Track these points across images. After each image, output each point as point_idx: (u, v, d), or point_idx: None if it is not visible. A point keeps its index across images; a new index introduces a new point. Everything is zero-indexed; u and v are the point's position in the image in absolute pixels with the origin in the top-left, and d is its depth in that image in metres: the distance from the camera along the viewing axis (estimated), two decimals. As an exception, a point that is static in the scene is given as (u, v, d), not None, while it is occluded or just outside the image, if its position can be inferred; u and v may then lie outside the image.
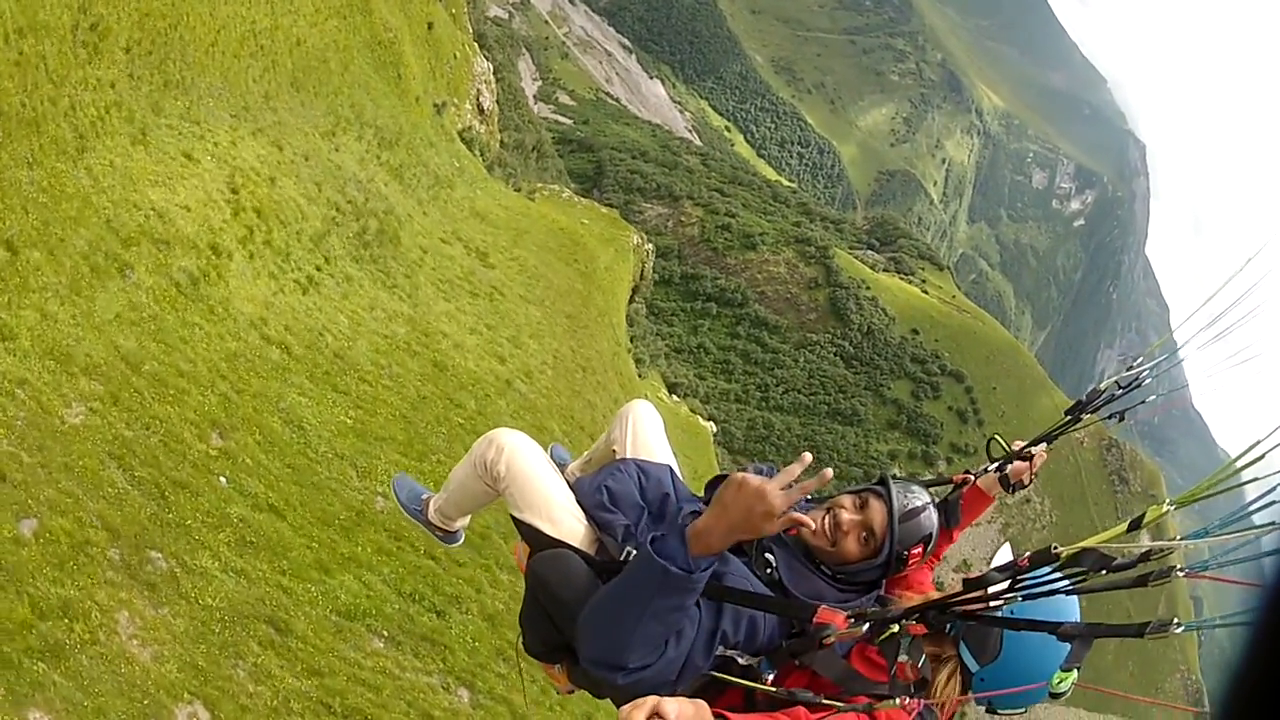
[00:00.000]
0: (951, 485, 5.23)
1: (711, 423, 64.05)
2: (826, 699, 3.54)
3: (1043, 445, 5.13)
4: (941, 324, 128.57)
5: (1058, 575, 3.08)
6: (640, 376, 50.10)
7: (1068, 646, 3.36)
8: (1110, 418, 5.26)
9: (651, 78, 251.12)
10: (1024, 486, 5.24)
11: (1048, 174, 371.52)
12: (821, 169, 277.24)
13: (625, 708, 2.94)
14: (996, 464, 5.21)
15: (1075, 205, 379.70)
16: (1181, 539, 2.94)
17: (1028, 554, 3.21)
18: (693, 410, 61.73)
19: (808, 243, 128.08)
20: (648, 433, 5.35)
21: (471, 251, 33.38)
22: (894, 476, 4.13)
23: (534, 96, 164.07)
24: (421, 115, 42.14)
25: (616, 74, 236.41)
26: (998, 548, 4.44)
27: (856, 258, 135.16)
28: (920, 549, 4.06)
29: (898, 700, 3.43)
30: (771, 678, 3.84)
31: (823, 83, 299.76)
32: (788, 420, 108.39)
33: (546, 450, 6.05)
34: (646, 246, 60.59)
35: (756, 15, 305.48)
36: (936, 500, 4.22)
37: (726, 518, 3.64)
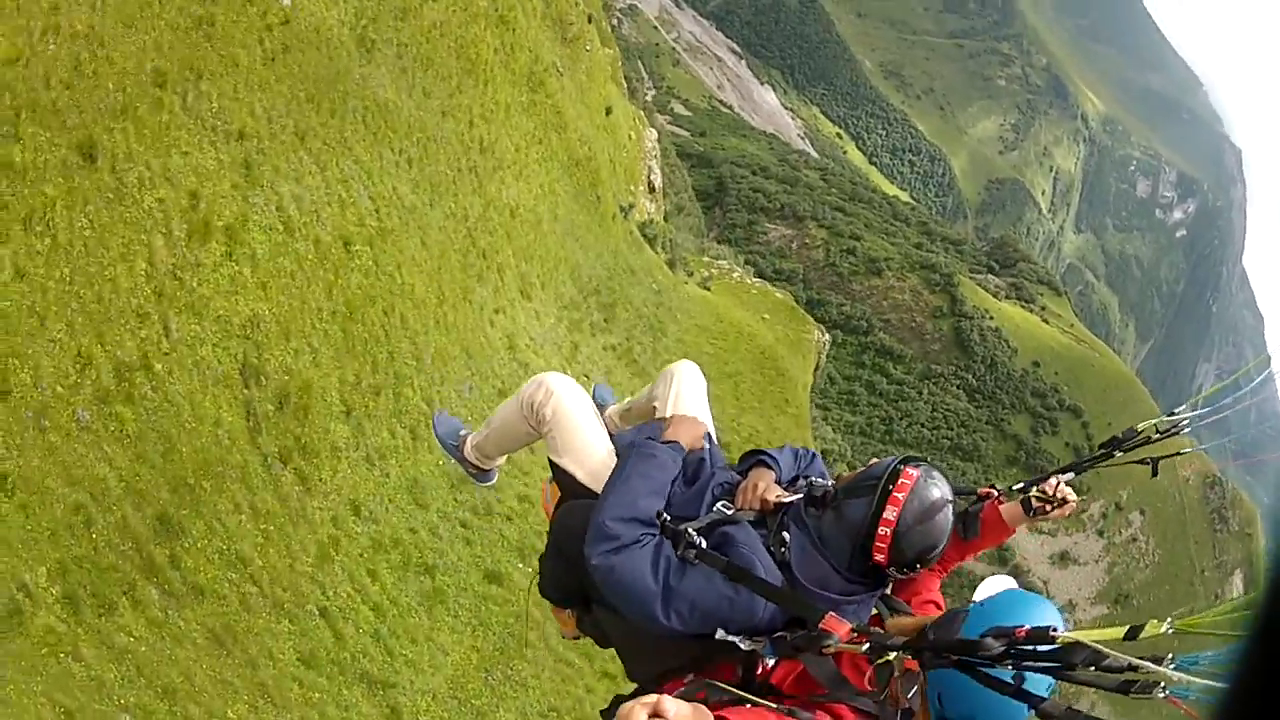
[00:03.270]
0: (975, 497, 5.29)
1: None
2: (803, 711, 3.68)
3: (1070, 492, 5.13)
4: (1061, 356, 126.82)
5: (1044, 655, 3.23)
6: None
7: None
8: (1143, 462, 5.48)
9: (763, 84, 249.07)
10: (1045, 516, 5.31)
11: (1151, 182, 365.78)
12: (933, 178, 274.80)
13: (625, 706, 3.04)
14: (1022, 486, 5.35)
15: (1178, 215, 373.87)
16: (1173, 661, 3.07)
17: (1027, 628, 3.36)
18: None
19: (932, 269, 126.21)
20: (690, 394, 5.56)
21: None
22: (921, 460, 4.12)
23: (649, 105, 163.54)
24: (618, 235, 42.72)
25: (728, 80, 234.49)
26: (993, 576, 4.38)
27: (978, 283, 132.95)
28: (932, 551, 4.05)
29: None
30: (773, 662, 4.07)
31: (931, 88, 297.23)
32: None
33: (590, 390, 6.58)
34: (825, 339, 60.17)
35: (863, 19, 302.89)
36: (957, 505, 4.17)
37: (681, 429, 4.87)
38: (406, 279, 21.79)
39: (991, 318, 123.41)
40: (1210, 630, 3.17)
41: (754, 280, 63.96)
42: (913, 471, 4.06)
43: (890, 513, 3.96)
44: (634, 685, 4.75)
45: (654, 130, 60.87)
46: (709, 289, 52.75)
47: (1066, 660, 3.16)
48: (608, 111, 48.53)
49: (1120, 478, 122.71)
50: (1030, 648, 3.29)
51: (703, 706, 3.23)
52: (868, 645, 3.62)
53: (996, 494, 5.25)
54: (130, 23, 16.65)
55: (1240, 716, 1.35)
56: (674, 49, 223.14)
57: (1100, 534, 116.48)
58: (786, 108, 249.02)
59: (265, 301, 17.20)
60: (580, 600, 5.06)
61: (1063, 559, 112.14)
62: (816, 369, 58.66)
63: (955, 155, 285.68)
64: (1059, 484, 5.20)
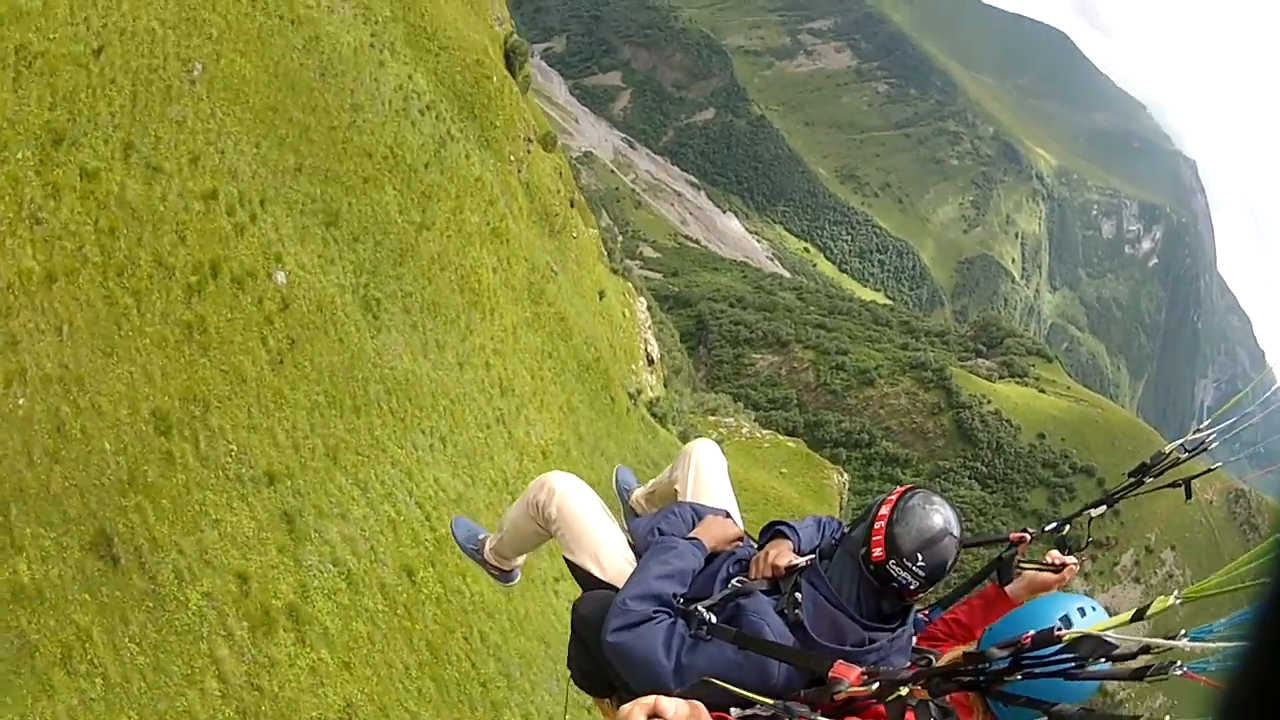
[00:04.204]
0: (1007, 543, 5.03)
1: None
2: None
3: (1068, 557, 4.87)
4: (1064, 421, 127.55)
5: (1061, 655, 3.20)
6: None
7: (1074, 695, 3.41)
8: (1175, 485, 5.16)
9: (725, 212, 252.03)
10: (1080, 550, 5.16)
11: (1115, 221, 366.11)
12: (904, 271, 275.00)
13: (625, 707, 3.02)
14: (1055, 525, 5.18)
15: (1146, 245, 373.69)
16: (1185, 635, 3.06)
17: (1030, 633, 3.29)
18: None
19: (923, 367, 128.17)
20: (708, 475, 5.59)
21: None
22: (921, 488, 4.02)
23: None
24: (634, 429, 43.46)
25: (690, 214, 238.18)
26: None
27: (970, 369, 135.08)
28: (955, 557, 3.92)
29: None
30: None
31: (888, 183, 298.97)
32: None
33: (613, 477, 7.00)
34: (844, 480, 61.49)
35: (810, 127, 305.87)
36: (960, 531, 3.95)
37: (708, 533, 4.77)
38: (473, 588, 21.29)
39: (989, 401, 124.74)
40: (1219, 590, 3.21)
41: (764, 433, 65.66)
42: (906, 487, 4.08)
43: (885, 509, 3.94)
44: None
45: (644, 300, 61.57)
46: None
47: (1076, 656, 3.15)
48: (601, 295, 49.73)
49: (1144, 521, 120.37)
50: (1037, 653, 3.28)
51: (700, 705, 3.25)
52: (877, 685, 3.54)
53: (1029, 537, 5.01)
54: (109, 349, 15.78)
55: (1258, 676, 1.34)
56: (634, 190, 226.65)
57: (1136, 580, 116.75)
58: (751, 231, 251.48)
59: (353, 682, 16.33)
60: (610, 689, 5.02)
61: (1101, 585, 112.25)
62: (841, 509, 58.70)
63: (922, 245, 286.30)
64: (1069, 570, 4.89)
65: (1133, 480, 5.10)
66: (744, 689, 3.81)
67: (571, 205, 49.75)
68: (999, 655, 3.33)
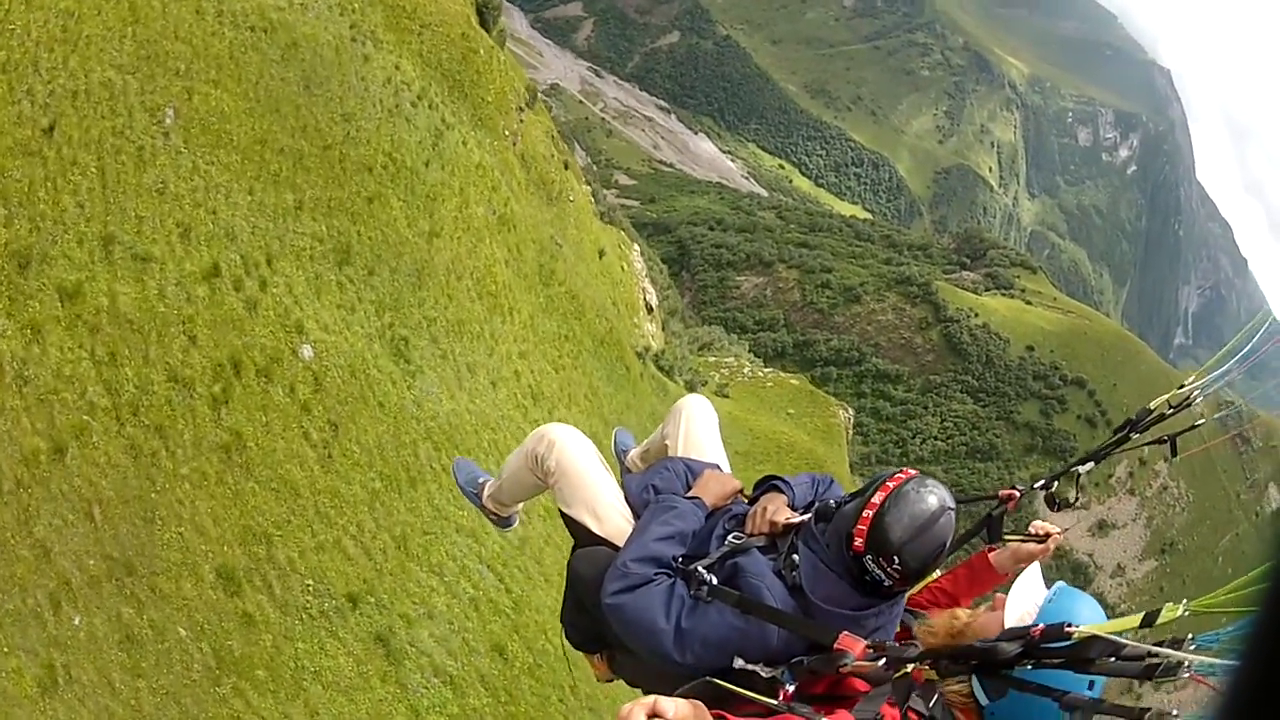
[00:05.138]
0: (996, 501, 5.01)
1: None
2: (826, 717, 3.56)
3: (1052, 526, 4.80)
4: (1052, 333, 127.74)
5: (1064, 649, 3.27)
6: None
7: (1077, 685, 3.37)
8: (1160, 442, 5.24)
9: (696, 133, 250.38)
10: (1070, 506, 5.30)
11: (1090, 129, 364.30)
12: (881, 184, 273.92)
13: (625, 707, 3.05)
14: (1043, 483, 5.24)
15: (1124, 153, 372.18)
16: (1193, 641, 3.12)
17: (1041, 626, 3.37)
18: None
19: (908, 282, 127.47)
20: (699, 430, 5.58)
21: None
22: (911, 474, 3.97)
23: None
24: (647, 391, 43.03)
25: (662, 138, 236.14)
26: (1022, 572, 4.21)
27: (955, 283, 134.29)
28: (936, 559, 3.92)
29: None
30: (793, 688, 3.82)
31: (859, 96, 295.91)
32: (931, 470, 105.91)
33: (611, 437, 7.06)
34: (849, 415, 60.68)
35: (778, 45, 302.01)
36: (956, 510, 3.95)
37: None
38: (552, 641, 20.52)
39: (976, 315, 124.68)
40: (1224, 608, 3.28)
41: (765, 371, 64.91)
42: (908, 472, 4.00)
43: (878, 496, 3.89)
44: None
45: (638, 246, 61.33)
46: (728, 395, 53.50)
47: (1084, 654, 3.22)
48: (600, 255, 49.25)
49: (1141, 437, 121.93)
50: (1047, 646, 3.33)
51: (700, 704, 3.27)
52: (884, 661, 3.59)
53: (1019, 494, 5.01)
54: (149, 514, 14.28)
55: (1253, 685, 1.39)
56: (603, 119, 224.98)
57: (1131, 493, 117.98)
58: (724, 151, 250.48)
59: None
60: (603, 644, 5.05)
61: (1101, 528, 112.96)
62: (848, 443, 59.20)
63: (897, 157, 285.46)
64: (1053, 539, 4.84)
65: (1119, 435, 5.18)
66: (743, 654, 3.98)
67: (565, 167, 49.34)
68: (1010, 649, 3.38)
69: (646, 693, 4.03)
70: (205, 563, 14.57)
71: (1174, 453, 5.25)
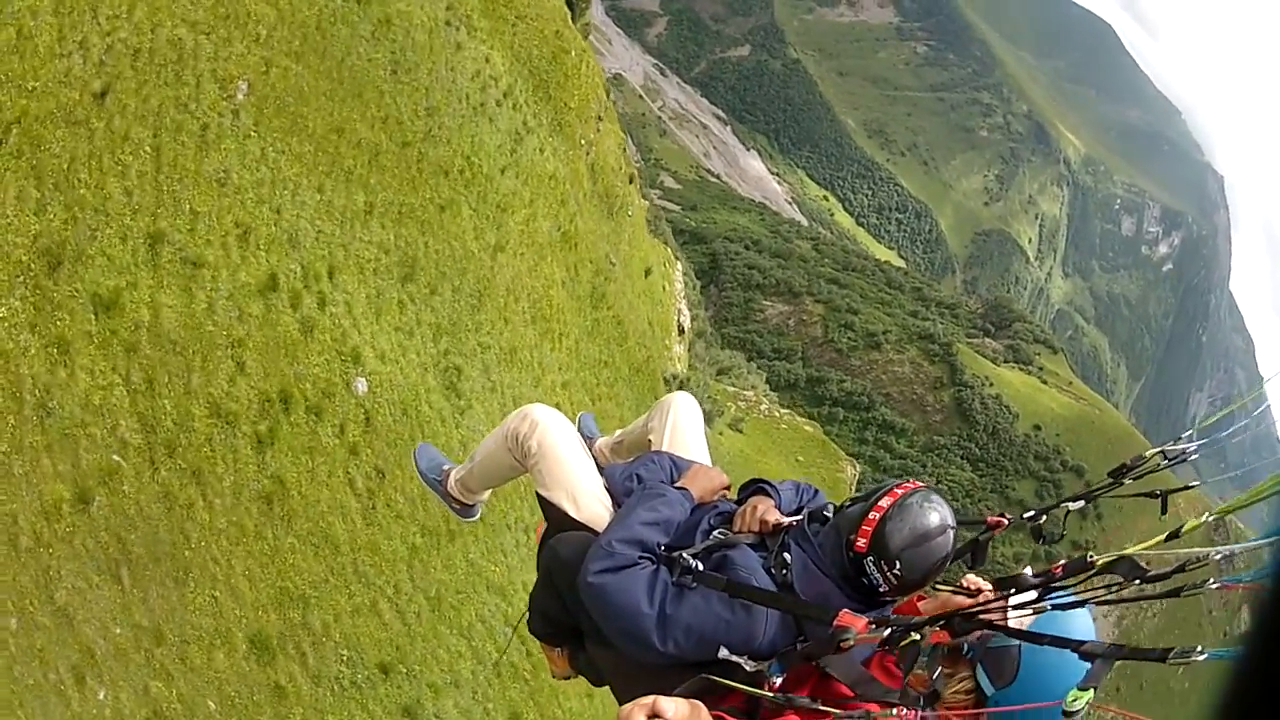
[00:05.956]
0: (984, 526, 4.88)
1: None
2: (825, 705, 3.53)
3: (982, 582, 4.45)
4: (1061, 417, 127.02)
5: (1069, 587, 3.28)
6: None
7: (1083, 671, 3.29)
8: (1153, 495, 5.08)
9: (748, 149, 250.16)
10: (1055, 542, 5.34)
11: (1135, 219, 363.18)
12: (920, 234, 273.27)
13: (625, 707, 3.03)
14: (1032, 514, 5.08)
15: (1163, 249, 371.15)
16: (1218, 549, 3.07)
17: (1062, 562, 3.35)
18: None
19: (930, 339, 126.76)
20: (686, 428, 5.54)
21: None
22: (918, 486, 3.98)
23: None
24: None
25: (714, 147, 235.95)
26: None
27: (976, 348, 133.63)
28: (934, 572, 3.91)
29: (894, 710, 3.39)
30: (780, 681, 3.76)
31: (915, 143, 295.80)
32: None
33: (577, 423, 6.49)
34: (855, 474, 59.77)
35: (844, 78, 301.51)
36: (957, 530, 3.96)
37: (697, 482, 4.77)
38: (564, 705, 19.94)
39: (991, 384, 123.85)
40: (1251, 501, 3.18)
41: (781, 412, 64.66)
42: (914, 484, 4.01)
43: (885, 501, 3.90)
44: None
45: (680, 264, 60.69)
46: (741, 431, 53.30)
47: (1110, 576, 3.18)
48: (647, 273, 48.63)
49: (1124, 530, 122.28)
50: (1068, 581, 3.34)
51: (700, 704, 3.25)
52: (889, 631, 3.53)
53: (1007, 522, 4.91)
54: (181, 574, 13.06)
55: (1259, 679, 1.37)
56: (660, 118, 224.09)
57: (1107, 588, 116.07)
58: (773, 172, 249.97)
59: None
60: (571, 636, 4.98)
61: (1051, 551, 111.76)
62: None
63: (941, 210, 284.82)
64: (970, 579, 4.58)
65: (1112, 480, 4.96)
66: (728, 646, 3.92)
67: (630, 181, 48.29)
68: (1030, 581, 3.39)
69: (615, 689, 4.47)
70: (239, 629, 13.37)
71: (1164, 509, 5.06)
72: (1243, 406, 5.32)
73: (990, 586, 4.29)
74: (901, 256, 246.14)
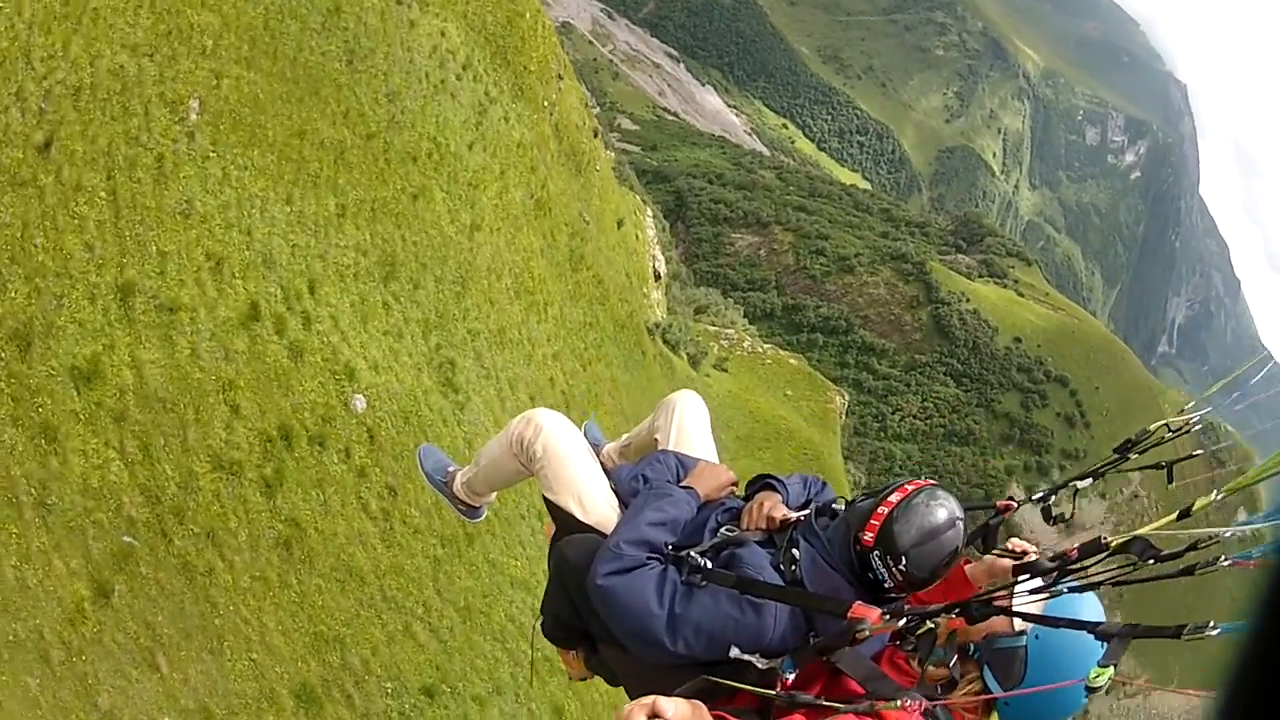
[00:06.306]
0: (993, 510, 4.98)
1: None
2: (828, 700, 3.49)
3: (1028, 545, 4.62)
4: (1041, 328, 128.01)
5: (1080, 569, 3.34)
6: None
7: (1089, 670, 3.33)
8: (1158, 467, 5.27)
9: (703, 85, 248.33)
10: (1065, 522, 5.26)
11: (1099, 129, 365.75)
12: (883, 155, 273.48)
13: (625, 707, 3.01)
14: (1042, 495, 5.14)
15: (1130, 158, 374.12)
16: (1230, 528, 3.15)
17: (1077, 545, 3.37)
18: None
19: (903, 259, 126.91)
20: (691, 426, 5.47)
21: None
22: (926, 484, 3.92)
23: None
24: (655, 372, 42.08)
25: (669, 85, 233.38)
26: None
27: (949, 265, 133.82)
28: (942, 569, 3.87)
29: (899, 702, 3.35)
30: (793, 677, 3.72)
31: (871, 66, 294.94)
32: (908, 449, 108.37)
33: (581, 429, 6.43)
34: (844, 402, 60.72)
35: (795, 6, 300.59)
36: (966, 518, 3.95)
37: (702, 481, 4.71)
38: (600, 687, 17.96)
39: (968, 300, 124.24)
40: (1260, 478, 3.20)
41: (765, 347, 64.67)
42: (923, 483, 3.93)
43: (895, 497, 3.86)
44: None
45: (650, 210, 60.55)
46: (727, 370, 53.31)
47: (1125, 557, 3.18)
48: (619, 225, 48.10)
49: (1115, 438, 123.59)
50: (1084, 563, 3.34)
51: (700, 704, 3.24)
52: (905, 621, 3.53)
53: (1016, 505, 5.01)
54: (216, 644, 12.56)
55: (1253, 686, 1.38)
56: (612, 61, 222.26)
57: (1102, 496, 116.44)
58: (730, 105, 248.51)
59: None
60: (584, 638, 4.92)
61: (1068, 527, 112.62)
62: (841, 432, 59.23)
63: (902, 131, 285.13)
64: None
65: (1117, 456, 5.18)
66: (738, 644, 3.88)
67: (595, 135, 48.12)
68: (1048, 566, 3.48)
69: (628, 689, 4.44)
70: (282, 686, 12.84)
71: (1170, 479, 5.29)
72: (1245, 370, 5.56)
73: (1035, 550, 4.43)
74: (866, 178, 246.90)
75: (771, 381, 56.43)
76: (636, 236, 51.41)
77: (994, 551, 4.66)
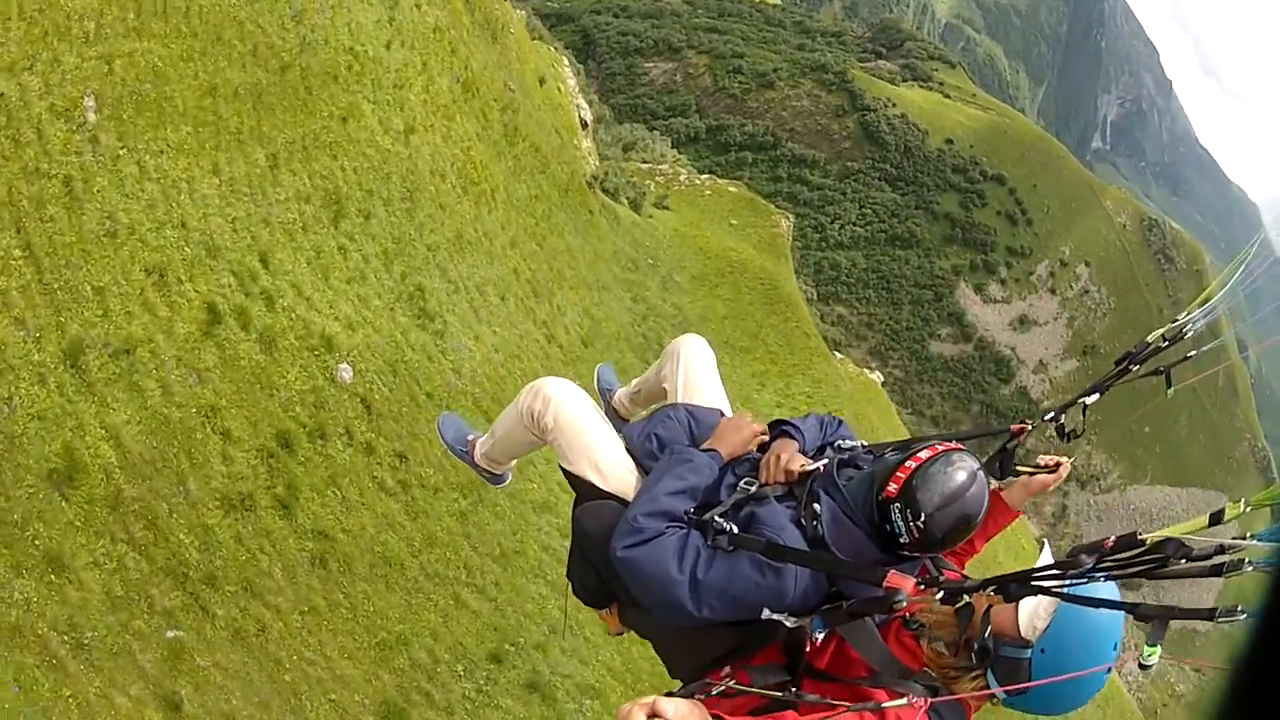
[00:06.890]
0: (1008, 434, 5.01)
1: (877, 373, 62.23)
2: (834, 700, 3.51)
3: (1064, 459, 4.85)
4: (971, 129, 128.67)
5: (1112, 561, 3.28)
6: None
7: (1100, 682, 3.63)
8: (1158, 373, 5.45)
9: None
10: (1078, 436, 5.31)
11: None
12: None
13: (624, 706, 2.98)
14: (1053, 415, 5.18)
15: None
16: (1254, 536, 3.22)
17: (1114, 537, 3.33)
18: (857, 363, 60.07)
19: (823, 69, 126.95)
20: (699, 374, 5.37)
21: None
22: (948, 448, 3.89)
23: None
24: (604, 229, 40.31)
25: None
26: (1039, 550, 4.45)
27: (871, 72, 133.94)
28: (962, 531, 3.83)
29: (908, 699, 3.42)
30: (821, 637, 3.78)
31: None
32: (852, 256, 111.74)
33: (594, 376, 6.72)
34: (789, 224, 58.48)
35: None
36: (982, 467, 3.90)
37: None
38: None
39: (894, 104, 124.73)
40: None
41: (702, 178, 62.49)
42: (935, 448, 3.87)
43: (925, 453, 3.84)
44: (679, 683, 4.38)
45: (566, 59, 58.37)
46: (668, 207, 51.57)
47: (1158, 558, 3.13)
48: (541, 82, 46.00)
49: (1056, 234, 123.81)
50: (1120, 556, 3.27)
51: (701, 704, 3.20)
52: (941, 594, 3.43)
53: (1029, 428, 5.03)
54: (293, 693, 11.72)
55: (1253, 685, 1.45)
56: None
57: (1052, 292, 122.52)
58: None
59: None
60: (611, 599, 4.78)
61: (1022, 323, 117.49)
62: (790, 256, 57.74)
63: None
64: (1063, 468, 4.85)
65: (1120, 368, 5.33)
66: (767, 604, 3.89)
67: None
68: (1086, 560, 3.32)
69: (659, 651, 4.79)
70: (366, 714, 12.14)
71: (1169, 384, 5.52)
72: (1238, 264, 5.98)
73: (1068, 461, 4.87)
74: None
75: (715, 213, 54.85)
76: (559, 89, 49.85)
77: (1025, 470, 4.88)
